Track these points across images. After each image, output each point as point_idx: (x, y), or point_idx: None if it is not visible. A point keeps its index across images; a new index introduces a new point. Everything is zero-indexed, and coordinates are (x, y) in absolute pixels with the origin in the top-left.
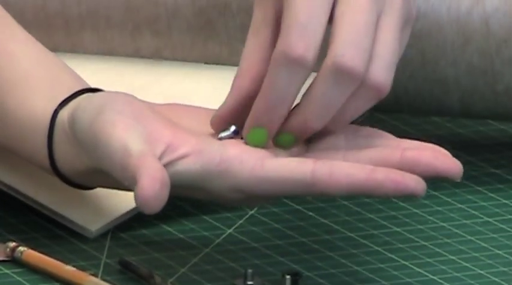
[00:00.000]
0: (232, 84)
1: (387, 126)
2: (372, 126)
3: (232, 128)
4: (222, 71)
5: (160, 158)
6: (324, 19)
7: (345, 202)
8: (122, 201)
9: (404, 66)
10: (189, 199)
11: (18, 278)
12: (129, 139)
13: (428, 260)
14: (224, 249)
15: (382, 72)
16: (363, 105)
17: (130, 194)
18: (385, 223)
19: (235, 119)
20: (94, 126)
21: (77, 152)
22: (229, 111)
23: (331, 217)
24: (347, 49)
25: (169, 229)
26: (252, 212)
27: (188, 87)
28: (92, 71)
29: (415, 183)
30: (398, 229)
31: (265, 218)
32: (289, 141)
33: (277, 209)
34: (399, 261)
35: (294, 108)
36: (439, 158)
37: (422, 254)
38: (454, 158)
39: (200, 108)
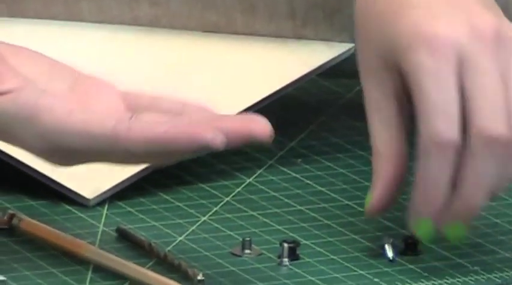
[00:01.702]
0: (378, 170)
1: None
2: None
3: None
4: (219, 40)
5: None
6: (457, 94)
7: (343, 170)
8: (120, 169)
9: None
10: (186, 167)
11: (15, 247)
12: None
13: None
14: (221, 218)
15: None
16: None
17: None
18: None
19: (388, 205)
20: None
21: None
22: (383, 199)
23: (329, 185)
24: (492, 118)
25: (167, 197)
26: (250, 180)
27: (186, 55)
28: (90, 40)
29: (211, 134)
30: None
31: (262, 186)
32: (460, 230)
33: (275, 177)
34: (397, 230)
35: (454, 193)
36: (246, 124)
37: None
38: (262, 122)
39: (46, 57)
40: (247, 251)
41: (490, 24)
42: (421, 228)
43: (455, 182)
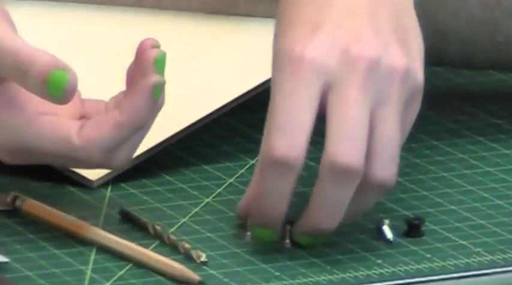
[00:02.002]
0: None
1: None
2: None
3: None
4: (222, 21)
5: None
6: (308, 116)
7: None
8: None
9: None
10: (190, 149)
11: (18, 228)
12: None
13: (430, 210)
14: (225, 199)
15: (384, 168)
16: (370, 198)
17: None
18: None
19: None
20: None
21: None
22: (247, 205)
23: None
24: (340, 146)
25: (170, 178)
26: (253, 162)
27: (189, 36)
28: (93, 21)
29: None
30: (399, 179)
31: None
32: (310, 242)
33: None
34: (400, 211)
35: (305, 210)
36: None
37: (423, 204)
38: None
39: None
40: (248, 233)
41: (369, 53)
42: (257, 233)
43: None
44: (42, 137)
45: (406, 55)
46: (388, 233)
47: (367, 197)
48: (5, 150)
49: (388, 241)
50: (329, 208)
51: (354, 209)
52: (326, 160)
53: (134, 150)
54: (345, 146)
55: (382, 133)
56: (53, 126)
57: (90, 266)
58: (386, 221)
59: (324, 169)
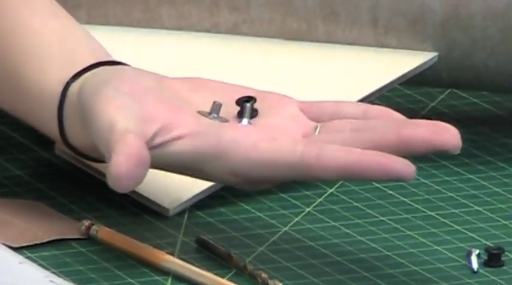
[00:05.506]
0: None
1: (467, 103)
2: (452, 103)
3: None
4: (300, 47)
5: (153, 138)
6: None
7: (425, 181)
8: (200, 180)
9: (484, 43)
10: None
11: (93, 256)
12: (117, 117)
13: (510, 239)
14: (303, 228)
15: None
16: None
17: None
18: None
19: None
20: (92, 100)
21: (83, 126)
22: None
23: (411, 195)
24: None
25: (248, 207)
26: (332, 190)
27: (266, 62)
28: (169, 47)
29: (402, 166)
30: (479, 208)
31: (344, 196)
32: None
33: (357, 187)
34: (480, 241)
35: None
36: (435, 132)
37: (503, 233)
38: (452, 131)
39: (221, 83)
40: None
41: None
42: None
43: None
44: (265, 166)
45: None
46: (474, 263)
47: None
48: (240, 184)
49: (472, 271)
50: None
51: None
52: None
53: None
54: None
55: None
56: (272, 153)
57: None
58: (476, 251)
59: None
